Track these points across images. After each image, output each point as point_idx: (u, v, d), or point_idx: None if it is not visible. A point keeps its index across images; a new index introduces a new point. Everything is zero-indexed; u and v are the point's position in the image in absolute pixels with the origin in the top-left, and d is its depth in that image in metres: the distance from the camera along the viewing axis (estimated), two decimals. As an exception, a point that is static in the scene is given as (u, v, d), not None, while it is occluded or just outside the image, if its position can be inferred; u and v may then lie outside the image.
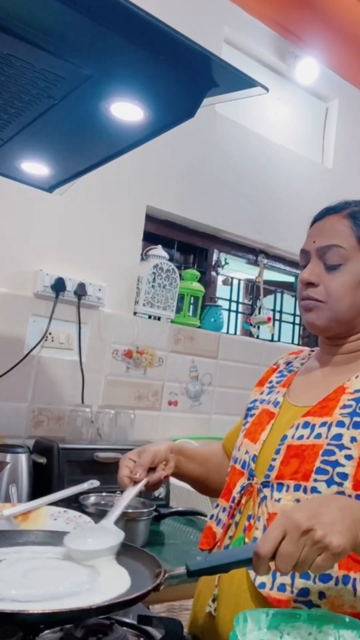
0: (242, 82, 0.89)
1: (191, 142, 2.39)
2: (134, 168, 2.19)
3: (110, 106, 0.99)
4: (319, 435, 0.88)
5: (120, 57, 0.85)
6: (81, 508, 1.37)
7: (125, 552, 0.86)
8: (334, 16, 2.51)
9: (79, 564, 0.81)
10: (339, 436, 0.87)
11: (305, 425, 0.91)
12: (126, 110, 0.99)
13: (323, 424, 0.89)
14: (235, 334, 2.75)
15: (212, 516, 1.04)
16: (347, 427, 0.87)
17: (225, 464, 1.18)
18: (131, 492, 0.97)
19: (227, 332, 2.68)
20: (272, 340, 2.76)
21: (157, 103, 0.96)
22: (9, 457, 1.58)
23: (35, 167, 1.33)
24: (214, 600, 0.92)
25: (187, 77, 0.89)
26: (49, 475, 1.66)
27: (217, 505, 1.03)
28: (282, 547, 0.68)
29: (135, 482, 0.99)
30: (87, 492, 1.38)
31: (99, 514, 1.37)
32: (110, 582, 0.76)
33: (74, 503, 1.38)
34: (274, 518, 0.86)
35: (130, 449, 1.23)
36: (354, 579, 0.82)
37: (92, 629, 0.77)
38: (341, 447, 0.86)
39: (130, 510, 1.42)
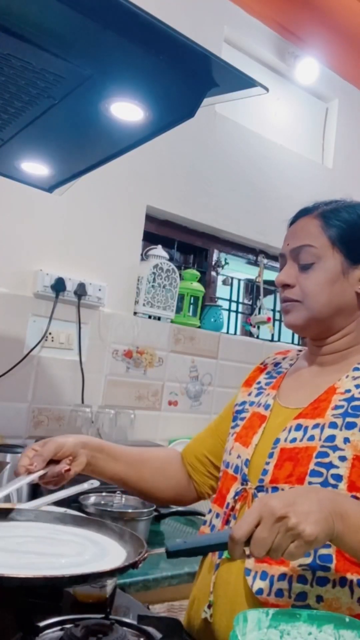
0: (242, 82, 0.89)
1: (191, 142, 2.39)
2: (134, 168, 2.19)
3: (110, 106, 0.99)
4: (312, 438, 0.88)
5: (120, 57, 0.85)
6: (81, 508, 1.37)
7: (117, 534, 0.89)
8: (334, 16, 2.51)
9: (74, 540, 0.85)
10: (332, 437, 0.87)
11: (298, 427, 0.91)
12: (126, 110, 0.99)
13: (315, 426, 0.89)
14: (235, 334, 2.75)
15: (204, 522, 1.03)
16: (340, 428, 0.87)
17: (173, 470, 1.16)
18: (21, 480, 0.94)
19: (227, 332, 2.68)
20: (272, 340, 2.76)
21: (157, 103, 0.96)
22: (9, 457, 1.58)
23: (35, 167, 1.33)
24: (209, 607, 0.92)
25: (187, 77, 0.89)
26: (49, 475, 1.65)
27: (210, 511, 1.02)
28: (256, 533, 0.70)
29: (30, 472, 0.96)
30: (87, 492, 1.37)
31: (99, 514, 1.37)
32: (108, 557, 0.80)
33: (73, 503, 1.38)
34: None
35: (131, 449, 1.22)
36: (351, 581, 0.82)
37: (92, 629, 0.77)
38: (334, 448, 0.85)
39: (130, 510, 1.42)
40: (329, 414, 0.89)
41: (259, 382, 1.10)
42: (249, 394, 1.09)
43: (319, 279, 0.96)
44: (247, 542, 0.70)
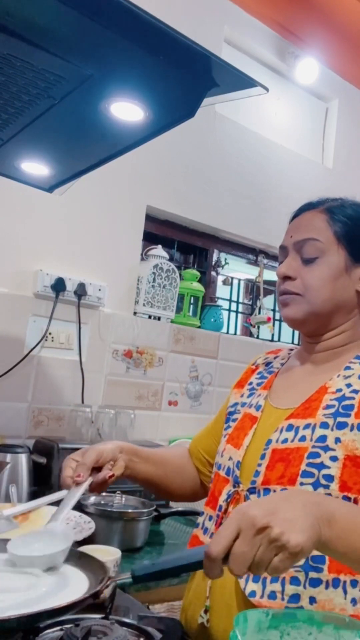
0: (242, 82, 0.89)
1: (191, 142, 2.39)
2: (134, 168, 2.19)
3: (110, 106, 0.99)
4: (303, 438, 0.87)
5: (120, 57, 0.85)
6: (81, 508, 1.37)
7: (75, 558, 0.82)
8: (334, 16, 2.51)
9: (28, 571, 0.77)
10: (323, 438, 0.85)
11: (289, 428, 0.90)
12: (126, 110, 0.99)
13: (307, 426, 0.88)
14: (235, 334, 2.75)
15: (197, 524, 1.02)
16: (331, 428, 0.86)
17: (188, 467, 1.16)
18: (76, 493, 0.92)
19: (227, 332, 2.68)
20: (272, 340, 2.76)
21: (157, 103, 0.96)
22: (9, 457, 1.58)
23: (35, 167, 1.33)
24: (206, 612, 0.91)
25: (187, 77, 0.89)
26: (49, 475, 1.66)
27: (203, 513, 1.01)
28: (235, 547, 0.63)
29: (79, 483, 0.94)
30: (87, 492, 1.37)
31: (99, 514, 1.37)
32: (68, 588, 0.73)
33: (74, 503, 1.38)
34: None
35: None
36: (344, 582, 0.81)
37: (92, 629, 0.77)
38: (326, 448, 0.84)
39: (130, 510, 1.42)
40: (320, 414, 0.88)
41: (250, 383, 1.09)
42: (241, 395, 1.08)
43: (323, 273, 0.95)
44: (226, 558, 0.64)
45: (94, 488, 0.97)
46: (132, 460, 1.04)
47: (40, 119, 1.07)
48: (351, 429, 0.85)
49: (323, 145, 3.05)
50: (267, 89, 0.90)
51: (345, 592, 0.81)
